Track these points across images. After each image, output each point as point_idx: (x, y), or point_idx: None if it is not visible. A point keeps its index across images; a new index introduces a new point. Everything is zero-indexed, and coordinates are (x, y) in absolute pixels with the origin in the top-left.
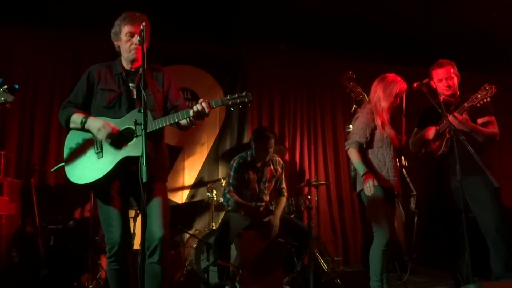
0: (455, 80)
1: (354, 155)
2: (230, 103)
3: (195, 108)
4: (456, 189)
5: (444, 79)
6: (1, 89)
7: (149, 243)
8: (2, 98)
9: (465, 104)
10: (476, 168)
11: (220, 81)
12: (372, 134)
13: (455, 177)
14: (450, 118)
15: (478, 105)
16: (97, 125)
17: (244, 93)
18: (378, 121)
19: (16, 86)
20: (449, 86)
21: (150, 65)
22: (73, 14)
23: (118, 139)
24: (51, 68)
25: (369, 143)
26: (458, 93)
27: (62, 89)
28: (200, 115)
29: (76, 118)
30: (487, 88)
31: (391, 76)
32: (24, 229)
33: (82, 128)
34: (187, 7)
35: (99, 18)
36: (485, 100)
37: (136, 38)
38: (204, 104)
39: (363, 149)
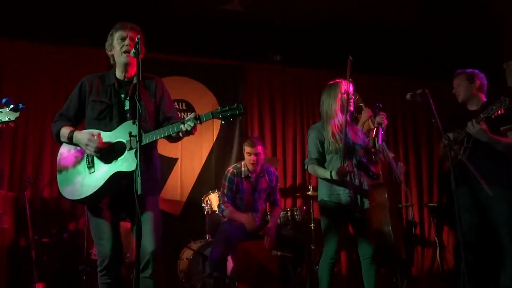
0: (463, 88)
1: (314, 170)
2: (220, 116)
3: (187, 126)
4: (471, 198)
5: (455, 87)
6: (7, 109)
7: (141, 257)
8: (7, 118)
9: (481, 115)
10: (496, 179)
11: (215, 92)
12: (322, 147)
13: (473, 186)
14: (468, 126)
15: (493, 116)
16: (84, 139)
17: (235, 105)
18: (328, 131)
19: (21, 106)
20: (456, 94)
21: (143, 74)
22: (68, 29)
23: (108, 152)
24: (45, 80)
25: (323, 157)
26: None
27: (55, 100)
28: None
29: (65, 132)
30: (502, 100)
31: (332, 81)
32: (18, 242)
33: (71, 142)
34: (181, 20)
35: (94, 32)
36: (499, 112)
37: (128, 40)
38: (194, 121)
39: (322, 164)
